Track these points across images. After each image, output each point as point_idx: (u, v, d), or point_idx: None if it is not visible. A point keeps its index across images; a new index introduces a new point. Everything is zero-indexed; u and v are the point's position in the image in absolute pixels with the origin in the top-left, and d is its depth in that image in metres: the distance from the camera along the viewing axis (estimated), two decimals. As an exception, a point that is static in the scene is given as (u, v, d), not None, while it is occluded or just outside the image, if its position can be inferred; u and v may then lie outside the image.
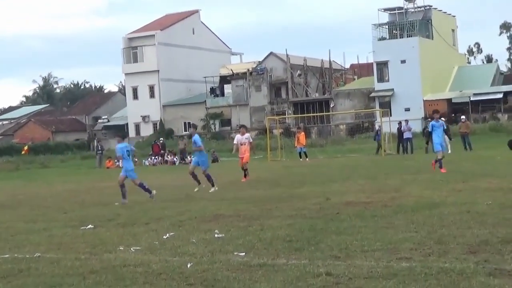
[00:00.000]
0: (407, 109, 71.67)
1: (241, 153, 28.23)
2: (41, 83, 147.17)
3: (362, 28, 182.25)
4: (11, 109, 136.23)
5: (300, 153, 43.14)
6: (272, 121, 65.23)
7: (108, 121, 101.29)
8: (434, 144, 24.51)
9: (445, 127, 25.69)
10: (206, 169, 23.99)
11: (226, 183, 26.57)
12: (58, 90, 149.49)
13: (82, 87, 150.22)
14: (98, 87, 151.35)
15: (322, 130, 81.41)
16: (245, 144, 28.22)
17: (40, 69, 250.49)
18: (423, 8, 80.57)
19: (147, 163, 56.68)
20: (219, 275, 9.10)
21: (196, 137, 24.07)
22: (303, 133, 45.68)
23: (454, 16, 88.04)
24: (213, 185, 23.30)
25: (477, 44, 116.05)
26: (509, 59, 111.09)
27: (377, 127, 50.23)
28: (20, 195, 27.47)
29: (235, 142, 29.02)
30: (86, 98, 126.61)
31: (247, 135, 28.83)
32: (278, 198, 18.86)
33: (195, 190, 23.20)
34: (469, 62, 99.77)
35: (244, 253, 10.56)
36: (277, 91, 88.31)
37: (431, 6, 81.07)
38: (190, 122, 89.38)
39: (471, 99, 72.91)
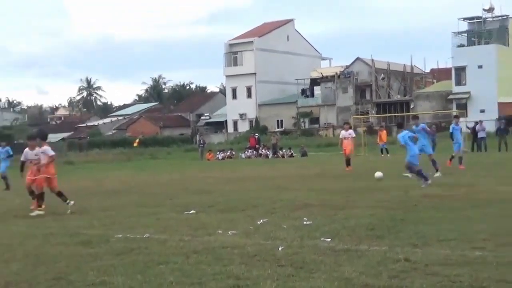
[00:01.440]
0: (482, 111, 70.01)
1: (344, 146, 29.87)
2: (151, 84, 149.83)
3: (442, 35, 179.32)
4: (125, 106, 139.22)
5: (382, 149, 42.78)
6: (357, 120, 64.71)
7: (210, 118, 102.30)
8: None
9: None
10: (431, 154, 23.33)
11: (313, 175, 26.57)
12: (166, 90, 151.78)
13: (187, 87, 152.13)
14: (201, 87, 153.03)
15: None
16: (348, 139, 29.94)
17: (151, 71, 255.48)
18: (500, 18, 78.54)
19: (243, 156, 57.02)
20: (307, 258, 9.11)
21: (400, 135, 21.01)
22: (385, 131, 45.24)
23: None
24: (437, 171, 22.45)
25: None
26: None
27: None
28: (132, 183, 28.03)
29: (340, 136, 30.63)
30: (190, 97, 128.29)
31: (350, 131, 30.63)
32: (361, 190, 18.72)
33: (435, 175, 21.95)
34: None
35: (330, 239, 10.53)
36: (362, 93, 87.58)
37: (508, 15, 78.99)
38: (282, 120, 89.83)
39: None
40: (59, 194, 17.10)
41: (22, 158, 18.19)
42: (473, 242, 9.66)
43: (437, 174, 22.16)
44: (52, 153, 17.06)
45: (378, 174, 22.04)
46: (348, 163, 29.56)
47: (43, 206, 16.78)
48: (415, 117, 30.02)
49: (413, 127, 22.74)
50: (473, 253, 8.88)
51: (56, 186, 17.16)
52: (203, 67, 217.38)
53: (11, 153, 28.46)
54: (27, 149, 18.05)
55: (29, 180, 17.52)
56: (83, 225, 13.95)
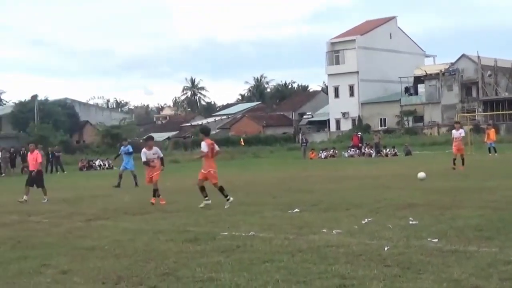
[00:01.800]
0: None
1: (454, 145, 29.60)
2: (253, 83, 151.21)
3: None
4: (228, 106, 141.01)
5: (489, 148, 41.67)
6: (463, 118, 63.24)
7: (312, 116, 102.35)
8: None
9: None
10: None
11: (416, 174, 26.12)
12: (268, 90, 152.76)
13: (289, 86, 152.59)
14: (303, 86, 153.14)
15: (511, 127, 77.86)
16: (458, 139, 29.71)
17: (253, 70, 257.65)
18: None
19: (346, 155, 56.74)
20: (414, 258, 8.96)
21: None
22: (493, 129, 44.10)
23: None
24: None
25: None
26: None
27: None
28: (236, 181, 28.31)
29: (452, 136, 30.45)
30: (292, 96, 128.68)
31: (461, 130, 30.48)
32: (468, 189, 18.29)
33: None
34: None
35: (437, 240, 10.33)
36: (468, 91, 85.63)
37: None
38: (385, 119, 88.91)
39: None
40: (201, 190, 17.55)
41: (143, 159, 19.52)
42: None
43: None
44: (205, 150, 17.47)
45: (421, 174, 21.68)
46: (462, 162, 29.23)
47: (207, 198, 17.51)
48: None
49: None
50: None
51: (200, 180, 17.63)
52: (305, 66, 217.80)
53: (131, 150, 29.59)
54: (144, 149, 19.33)
55: (148, 178, 19.58)
56: (190, 222, 14.20)
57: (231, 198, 17.27)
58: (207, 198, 17.39)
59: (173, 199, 19.76)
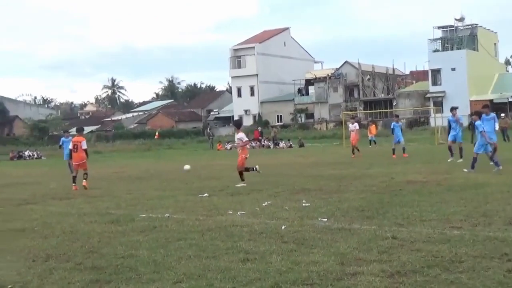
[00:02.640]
0: (456, 107, 69.78)
1: (352, 137, 31.38)
2: (167, 83, 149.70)
3: (420, 42, 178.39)
4: (144, 103, 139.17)
5: (370, 141, 42.68)
6: (346, 115, 64.53)
7: (218, 113, 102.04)
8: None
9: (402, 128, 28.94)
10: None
11: (310, 164, 26.53)
12: (180, 89, 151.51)
13: (198, 86, 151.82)
14: (210, 87, 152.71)
15: (387, 123, 79.91)
16: (354, 131, 31.37)
17: (166, 73, 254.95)
18: (470, 26, 78.21)
19: (248, 147, 56.82)
20: (307, 235, 9.10)
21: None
22: (374, 125, 45.30)
23: (495, 33, 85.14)
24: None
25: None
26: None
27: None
28: (152, 170, 28.04)
29: (349, 129, 32.53)
30: (201, 95, 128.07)
31: (355, 124, 32.26)
32: (353, 176, 18.69)
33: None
34: (507, 71, 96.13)
35: (326, 219, 10.52)
36: (351, 92, 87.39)
37: (477, 24, 78.72)
38: (281, 115, 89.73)
39: (509, 100, 70.47)
40: (240, 174, 18.04)
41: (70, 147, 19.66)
42: (452, 222, 9.64)
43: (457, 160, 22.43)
44: (246, 139, 18.64)
45: (186, 166, 22.20)
46: (354, 150, 30.40)
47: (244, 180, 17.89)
48: (396, 115, 31.93)
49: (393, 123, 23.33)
50: (452, 231, 8.86)
51: (241, 166, 18.12)
52: (211, 69, 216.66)
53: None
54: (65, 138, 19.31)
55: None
56: (112, 206, 13.96)
57: (245, 184, 17.44)
58: (244, 181, 17.79)
59: (96, 186, 19.37)
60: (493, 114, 20.20)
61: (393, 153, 27.94)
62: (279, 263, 7.41)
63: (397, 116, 31.70)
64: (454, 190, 13.75)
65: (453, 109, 24.65)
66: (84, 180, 18.67)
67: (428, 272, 6.67)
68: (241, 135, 18.44)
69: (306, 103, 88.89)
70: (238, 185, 17.25)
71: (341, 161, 27.55)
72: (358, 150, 30.75)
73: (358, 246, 8.14)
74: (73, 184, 18.79)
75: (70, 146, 19.75)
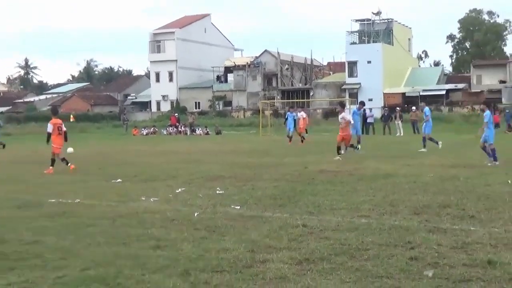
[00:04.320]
0: (370, 99, 71.21)
1: (300, 124, 32.52)
2: (84, 65, 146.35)
3: (338, 34, 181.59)
4: (59, 85, 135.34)
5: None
6: (264, 104, 65.11)
7: (136, 98, 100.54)
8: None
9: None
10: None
11: (226, 151, 26.59)
12: (97, 72, 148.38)
13: (116, 70, 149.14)
14: (128, 70, 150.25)
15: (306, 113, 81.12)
16: (300, 119, 32.55)
17: (84, 54, 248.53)
18: (386, 20, 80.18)
19: (164, 133, 56.58)
20: (219, 223, 9.14)
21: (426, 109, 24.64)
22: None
23: (410, 28, 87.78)
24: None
25: (425, 51, 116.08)
26: (451, 64, 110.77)
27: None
28: (64, 154, 27.32)
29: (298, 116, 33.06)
30: (118, 79, 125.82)
31: (302, 112, 33.76)
32: (267, 165, 18.86)
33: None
34: (419, 65, 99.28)
35: (239, 207, 10.60)
36: (269, 81, 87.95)
37: (393, 19, 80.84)
38: (199, 102, 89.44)
39: (420, 93, 72.56)
40: (338, 149, 20.71)
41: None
42: (360, 211, 9.91)
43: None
44: (348, 117, 21.03)
45: (70, 149, 22.63)
46: (302, 139, 31.21)
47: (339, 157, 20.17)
48: (361, 102, 31.52)
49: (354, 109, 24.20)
50: (360, 220, 9.10)
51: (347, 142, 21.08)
52: (130, 53, 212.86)
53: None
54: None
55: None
56: (20, 190, 13.57)
57: (340, 158, 19.87)
58: (340, 154, 20.31)
59: (4, 169, 18.75)
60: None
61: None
62: (190, 250, 7.42)
63: (292, 107, 34.60)
64: (365, 180, 14.12)
65: (361, 103, 25.83)
66: None
67: (335, 260, 6.84)
68: (344, 115, 20.94)
69: (224, 91, 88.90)
70: (335, 158, 19.95)
71: (257, 149, 27.75)
72: (303, 138, 31.47)
73: (269, 234, 8.24)
74: None
75: None
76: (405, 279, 6.13)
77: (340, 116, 21.14)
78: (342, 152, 20.98)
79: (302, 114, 33.54)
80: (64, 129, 18.83)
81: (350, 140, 21.22)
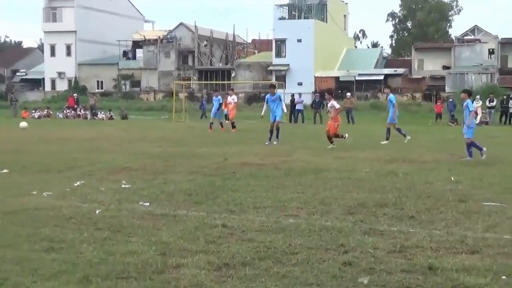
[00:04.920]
0: (300, 84, 72.44)
1: (229, 110, 33.79)
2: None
3: (265, 7, 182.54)
4: None
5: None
6: (178, 85, 64.82)
7: (26, 74, 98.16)
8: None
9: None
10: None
11: (133, 139, 26.36)
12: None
13: (2, 41, 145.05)
14: (17, 42, 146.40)
15: (224, 96, 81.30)
16: (231, 103, 34.01)
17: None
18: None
19: (60, 116, 55.51)
20: (125, 222, 9.07)
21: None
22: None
23: (346, 3, 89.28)
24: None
25: (362, 31, 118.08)
26: (391, 45, 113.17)
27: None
28: None
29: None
30: (5, 51, 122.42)
31: (234, 96, 35.24)
32: (181, 155, 18.80)
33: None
34: (356, 46, 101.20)
35: (148, 203, 10.54)
36: (184, 59, 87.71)
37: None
38: (102, 81, 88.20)
39: (356, 78, 74.10)
40: (329, 138, 22.01)
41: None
42: (287, 210, 10.02)
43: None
44: (337, 106, 22.40)
45: (23, 124, 22.63)
46: (233, 126, 31.70)
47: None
48: (271, 86, 32.21)
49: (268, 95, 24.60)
50: (287, 220, 9.21)
51: (333, 133, 22.05)
52: (20, 21, 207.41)
53: None
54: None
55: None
56: None
57: (334, 146, 21.50)
58: (333, 143, 21.72)
59: None
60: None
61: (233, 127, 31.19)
62: (91, 253, 7.33)
63: (273, 86, 32.51)
64: (293, 174, 14.29)
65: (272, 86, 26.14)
66: None
67: (259, 265, 6.90)
68: (333, 103, 22.14)
69: (132, 69, 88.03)
70: (328, 147, 21.21)
71: (170, 137, 27.62)
72: (234, 126, 31.73)
73: (183, 235, 8.24)
74: None
75: None
76: (338, 287, 6.25)
77: (329, 105, 22.44)
78: (346, 135, 22.48)
79: (233, 98, 34.60)
80: None
81: (335, 130, 22.11)
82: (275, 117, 23.94)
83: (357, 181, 13.17)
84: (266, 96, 25.06)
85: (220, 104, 32.80)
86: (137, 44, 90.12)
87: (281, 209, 10.11)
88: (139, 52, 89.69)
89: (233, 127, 31.64)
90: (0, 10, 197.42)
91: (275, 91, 24.95)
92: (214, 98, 33.06)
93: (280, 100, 24.32)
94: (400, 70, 76.74)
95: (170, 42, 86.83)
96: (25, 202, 10.66)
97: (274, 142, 23.48)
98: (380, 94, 71.62)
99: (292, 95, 46.94)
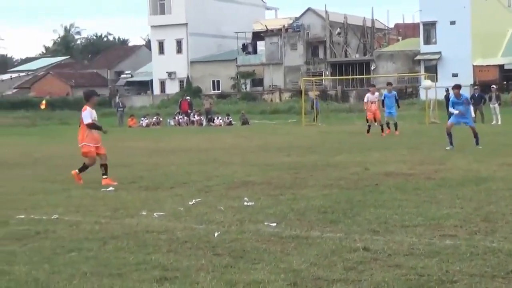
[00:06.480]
0: (455, 75, 70.95)
1: (373, 111, 32.76)
2: (62, 33, 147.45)
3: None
4: (28, 60, 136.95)
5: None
6: (308, 82, 65.01)
7: (132, 76, 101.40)
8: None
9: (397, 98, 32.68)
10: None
11: (256, 148, 26.60)
12: (79, 42, 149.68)
13: (105, 39, 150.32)
14: (122, 39, 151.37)
15: (362, 94, 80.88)
16: (375, 103, 32.92)
17: (63, 18, 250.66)
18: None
19: (172, 123, 56.82)
20: (248, 245, 9.13)
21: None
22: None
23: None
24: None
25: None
26: None
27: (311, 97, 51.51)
28: (37, 153, 27.64)
29: (365, 100, 33.63)
30: (108, 51, 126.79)
31: (377, 93, 33.97)
32: (313, 166, 18.82)
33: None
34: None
35: (275, 224, 10.57)
36: (314, 50, 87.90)
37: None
38: (218, 81, 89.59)
39: (525, 66, 72.10)
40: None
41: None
42: (443, 229, 9.82)
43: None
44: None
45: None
46: (382, 129, 32.05)
47: None
48: (389, 83, 34.27)
49: (385, 92, 24.97)
50: (442, 241, 9.02)
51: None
52: (125, 14, 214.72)
53: None
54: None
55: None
56: (-23, 203, 13.74)
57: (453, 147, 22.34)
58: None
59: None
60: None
61: (382, 130, 31.64)
62: (209, 283, 7.42)
63: (390, 83, 35.80)
64: (448, 186, 14.01)
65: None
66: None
67: (409, 296, 6.80)
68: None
69: (253, 65, 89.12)
70: (448, 148, 22.22)
71: (299, 144, 27.71)
72: (382, 128, 32.17)
73: (317, 261, 8.21)
74: None
75: None
76: (508, 323, 6.06)
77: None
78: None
79: (376, 96, 33.70)
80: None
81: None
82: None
83: (530, 192, 12.77)
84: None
85: (397, 100, 33.15)
86: (258, 36, 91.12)
87: (435, 228, 9.92)
88: (261, 45, 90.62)
89: (382, 129, 31.92)
90: (100, 4, 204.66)
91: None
92: (387, 93, 32.92)
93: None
94: None
95: (297, 31, 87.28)
96: (133, 224, 10.94)
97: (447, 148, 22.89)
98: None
99: (447, 90, 45.98)
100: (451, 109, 23.66)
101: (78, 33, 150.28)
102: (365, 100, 33.59)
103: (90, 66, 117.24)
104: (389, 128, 31.87)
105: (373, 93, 33.30)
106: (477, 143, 22.92)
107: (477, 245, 8.68)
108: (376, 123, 32.52)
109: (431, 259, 8.12)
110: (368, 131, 31.75)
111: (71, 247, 9.34)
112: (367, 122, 32.72)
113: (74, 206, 12.91)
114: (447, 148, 22.64)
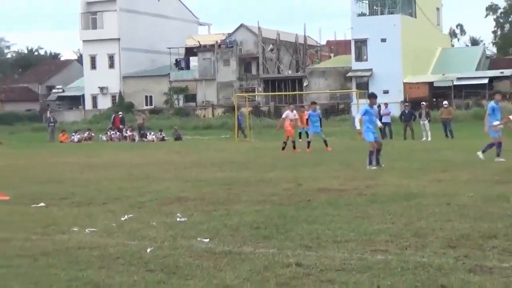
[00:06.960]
0: (386, 91, 71.67)
1: (291, 128, 33.28)
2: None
3: (341, 2, 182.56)
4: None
5: (301, 133, 41.84)
6: (241, 98, 65.19)
7: (63, 91, 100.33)
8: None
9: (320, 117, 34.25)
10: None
11: (189, 163, 26.58)
12: (9, 56, 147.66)
13: (36, 53, 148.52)
14: (53, 54, 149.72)
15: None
16: (293, 121, 33.85)
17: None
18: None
19: (104, 138, 56.44)
20: (181, 261, 9.12)
21: None
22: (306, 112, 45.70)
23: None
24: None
25: (460, 26, 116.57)
26: (494, 43, 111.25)
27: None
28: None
29: (284, 116, 34.36)
30: (39, 65, 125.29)
31: (294, 112, 34.77)
32: (246, 181, 18.87)
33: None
34: (452, 45, 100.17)
35: (208, 239, 10.58)
36: (247, 66, 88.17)
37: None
38: (151, 96, 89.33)
39: (454, 83, 73.14)
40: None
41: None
42: (375, 244, 9.92)
43: None
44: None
45: None
46: (293, 146, 32.32)
47: None
48: (314, 102, 35.07)
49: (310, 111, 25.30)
50: (374, 256, 9.12)
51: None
52: (56, 29, 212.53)
53: None
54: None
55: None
56: None
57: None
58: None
59: None
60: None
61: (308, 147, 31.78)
62: (141, 299, 7.40)
63: (314, 102, 36.45)
64: (380, 201, 14.15)
65: (371, 96, 24.64)
66: None
67: (341, 311, 6.86)
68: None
69: (186, 80, 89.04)
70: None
71: (232, 160, 27.75)
72: (294, 146, 32.40)
73: (250, 276, 8.23)
74: None
75: None
76: (438, 337, 6.15)
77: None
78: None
79: (294, 114, 34.45)
80: None
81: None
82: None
83: (458, 208, 12.96)
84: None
85: (320, 119, 34.32)
86: (191, 52, 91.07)
87: (366, 243, 10.02)
88: (194, 61, 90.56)
89: (294, 147, 32.27)
90: (31, 18, 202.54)
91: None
92: (312, 112, 33.20)
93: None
94: (508, 72, 75.37)
95: (230, 47, 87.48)
96: (65, 240, 10.85)
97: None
98: (485, 101, 70.45)
99: (378, 106, 46.62)
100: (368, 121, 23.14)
101: (8, 47, 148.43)
102: (284, 116, 34.27)
103: (20, 80, 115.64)
104: (308, 147, 31.65)
105: (314, 110, 33.62)
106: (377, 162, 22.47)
107: (408, 260, 8.79)
108: (289, 139, 32.56)
109: (363, 274, 8.21)
110: (283, 148, 31.94)
111: (1, 264, 9.22)
112: (287, 139, 32.61)
113: (3, 223, 12.76)
114: (372, 167, 22.20)
